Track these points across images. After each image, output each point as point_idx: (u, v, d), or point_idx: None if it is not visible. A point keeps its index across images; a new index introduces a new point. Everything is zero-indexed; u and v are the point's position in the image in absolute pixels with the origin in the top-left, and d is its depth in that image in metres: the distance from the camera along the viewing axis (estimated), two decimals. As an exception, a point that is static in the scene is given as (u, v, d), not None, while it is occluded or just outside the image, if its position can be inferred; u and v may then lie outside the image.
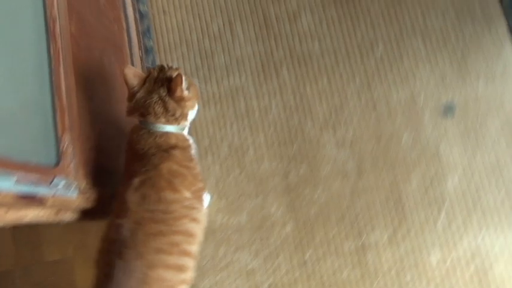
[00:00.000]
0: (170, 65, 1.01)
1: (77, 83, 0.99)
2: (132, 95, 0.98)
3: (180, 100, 0.96)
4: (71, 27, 0.99)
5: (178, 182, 0.94)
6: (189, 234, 0.94)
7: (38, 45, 0.90)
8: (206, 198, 1.05)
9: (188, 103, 0.98)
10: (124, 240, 0.87)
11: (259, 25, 1.50)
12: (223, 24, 1.51)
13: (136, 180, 0.92)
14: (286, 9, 1.51)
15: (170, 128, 0.98)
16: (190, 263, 0.93)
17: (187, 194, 0.95)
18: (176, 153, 0.96)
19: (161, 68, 0.99)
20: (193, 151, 1.03)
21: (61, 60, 0.92)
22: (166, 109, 0.96)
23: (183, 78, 0.95)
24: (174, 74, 0.96)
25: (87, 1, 1.16)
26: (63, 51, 0.93)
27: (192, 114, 1.02)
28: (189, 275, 0.94)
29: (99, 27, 1.21)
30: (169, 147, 0.96)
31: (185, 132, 1.03)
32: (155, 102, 0.95)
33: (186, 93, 0.97)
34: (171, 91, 0.95)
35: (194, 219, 0.95)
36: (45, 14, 0.92)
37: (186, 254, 0.92)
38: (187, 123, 1.02)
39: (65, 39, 0.95)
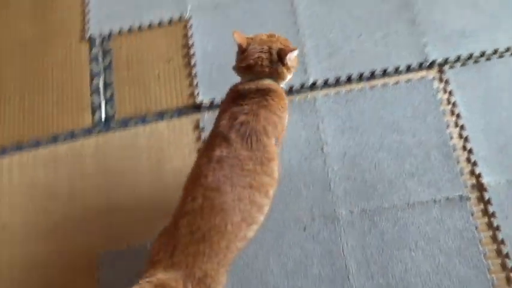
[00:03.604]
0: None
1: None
2: (243, 50, 1.14)
3: (283, 60, 1.12)
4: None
5: (271, 130, 1.08)
6: (274, 178, 1.07)
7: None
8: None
9: (287, 68, 1.14)
10: (223, 172, 1.01)
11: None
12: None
13: (237, 121, 1.06)
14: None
15: (270, 81, 1.12)
16: (267, 207, 1.06)
17: (273, 141, 1.09)
18: (273, 100, 1.10)
19: (271, 34, 1.17)
20: (286, 103, 1.15)
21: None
22: (271, 61, 1.11)
23: (295, 52, 1.13)
24: (292, 48, 1.13)
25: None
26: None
27: (287, 77, 1.16)
28: (262, 218, 1.06)
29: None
30: (268, 92, 1.10)
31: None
32: (264, 52, 1.11)
33: (288, 60, 1.13)
34: (282, 52, 1.11)
35: (277, 165, 1.09)
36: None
37: (267, 196, 1.05)
38: (283, 82, 1.17)
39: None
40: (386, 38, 1.55)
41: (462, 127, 1.42)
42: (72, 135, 1.59)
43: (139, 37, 1.69)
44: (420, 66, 1.51)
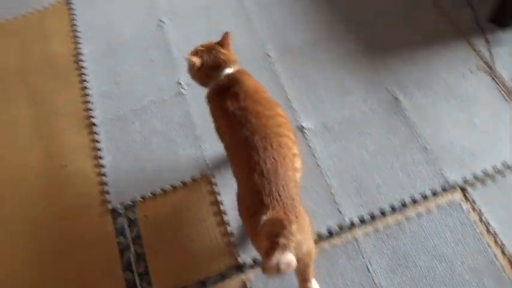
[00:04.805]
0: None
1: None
2: (202, 65, 1.33)
3: (229, 48, 1.37)
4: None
5: (262, 93, 1.33)
6: (286, 122, 1.29)
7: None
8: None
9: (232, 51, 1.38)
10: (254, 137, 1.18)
11: None
12: None
13: (240, 101, 1.25)
14: None
15: (230, 68, 1.34)
16: (294, 144, 1.25)
17: (268, 94, 1.35)
18: (247, 78, 1.33)
19: (202, 44, 1.39)
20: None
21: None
22: (224, 54, 1.34)
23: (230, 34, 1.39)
24: (226, 34, 1.38)
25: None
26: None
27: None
28: (297, 151, 1.26)
29: None
30: (240, 77, 1.32)
31: None
32: (217, 51, 1.34)
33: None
34: (224, 43, 1.37)
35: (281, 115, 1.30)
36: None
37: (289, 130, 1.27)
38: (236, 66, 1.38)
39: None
40: (406, 168, 1.65)
41: (503, 245, 1.48)
42: (108, 324, 1.45)
43: (165, 201, 1.67)
44: (444, 190, 1.59)
